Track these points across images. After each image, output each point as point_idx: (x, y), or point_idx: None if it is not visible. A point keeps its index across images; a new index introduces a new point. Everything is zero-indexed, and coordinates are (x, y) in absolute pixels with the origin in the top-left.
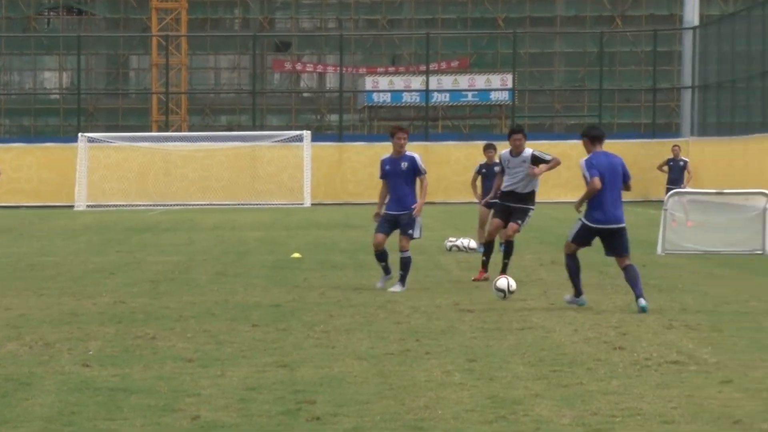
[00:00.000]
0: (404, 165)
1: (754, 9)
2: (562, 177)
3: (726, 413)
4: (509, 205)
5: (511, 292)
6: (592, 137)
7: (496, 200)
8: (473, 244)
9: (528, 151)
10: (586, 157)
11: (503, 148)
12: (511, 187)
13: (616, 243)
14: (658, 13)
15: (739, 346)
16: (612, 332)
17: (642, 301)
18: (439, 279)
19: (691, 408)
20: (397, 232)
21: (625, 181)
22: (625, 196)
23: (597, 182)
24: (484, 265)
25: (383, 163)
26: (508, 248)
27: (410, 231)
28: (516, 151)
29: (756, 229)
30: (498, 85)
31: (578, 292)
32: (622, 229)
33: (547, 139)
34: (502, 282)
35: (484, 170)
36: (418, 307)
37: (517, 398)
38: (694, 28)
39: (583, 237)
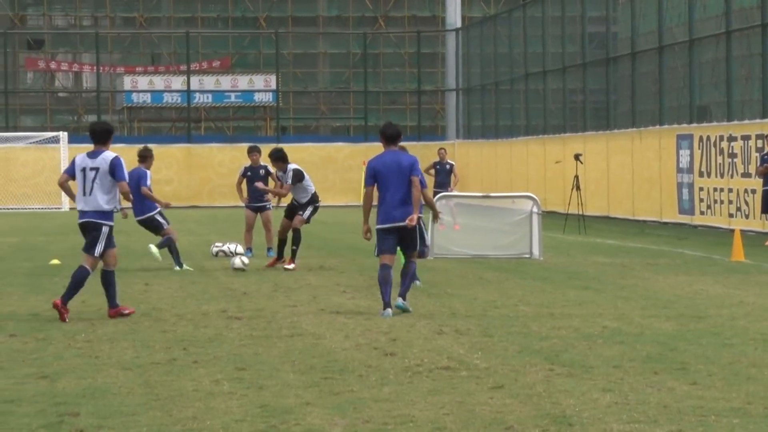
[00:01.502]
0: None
1: (515, 11)
2: (328, 180)
3: (497, 419)
4: (294, 206)
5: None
6: (386, 136)
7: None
8: (240, 248)
9: (289, 168)
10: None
11: (268, 150)
12: (294, 200)
13: (406, 239)
14: (420, 14)
15: (510, 351)
16: (383, 338)
17: (400, 301)
18: (206, 285)
19: (462, 414)
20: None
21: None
22: None
23: (366, 192)
24: (280, 256)
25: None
26: (296, 235)
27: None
28: (281, 171)
29: (523, 232)
30: (261, 86)
31: (385, 305)
32: (406, 228)
33: (312, 142)
34: (237, 261)
35: (249, 173)
36: (185, 314)
37: (288, 407)
38: (456, 30)
39: (382, 242)
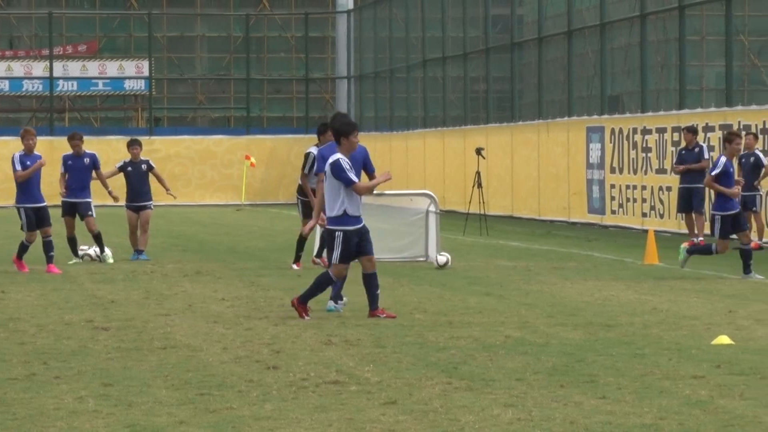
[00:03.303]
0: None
1: None
2: (206, 176)
3: None
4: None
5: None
6: (331, 128)
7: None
8: (108, 252)
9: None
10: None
11: (148, 144)
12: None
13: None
14: None
15: (404, 363)
16: (265, 350)
17: (330, 304)
18: (69, 293)
19: None
20: None
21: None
22: (279, 198)
23: (319, 185)
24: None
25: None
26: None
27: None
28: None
29: (419, 233)
30: (133, 72)
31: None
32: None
33: (189, 134)
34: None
35: (129, 168)
36: (45, 325)
37: (160, 426)
38: (348, 12)
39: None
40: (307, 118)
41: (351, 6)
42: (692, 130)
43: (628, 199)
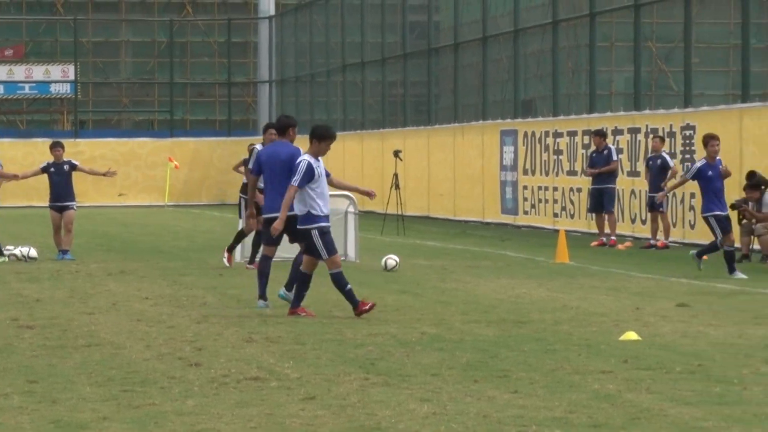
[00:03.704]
0: None
1: None
2: (131, 178)
3: None
4: None
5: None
6: (275, 127)
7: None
8: (33, 252)
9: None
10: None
11: (73, 147)
12: None
13: (298, 238)
14: (231, 0)
15: (323, 359)
16: (187, 347)
17: (282, 291)
18: None
19: (271, 427)
20: None
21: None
22: (202, 199)
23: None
24: None
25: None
26: None
27: None
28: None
29: (338, 233)
30: (58, 76)
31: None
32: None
33: (114, 137)
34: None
35: (52, 169)
36: None
37: (84, 422)
38: (270, 18)
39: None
40: (229, 121)
41: (272, 12)
42: (601, 134)
43: (540, 200)
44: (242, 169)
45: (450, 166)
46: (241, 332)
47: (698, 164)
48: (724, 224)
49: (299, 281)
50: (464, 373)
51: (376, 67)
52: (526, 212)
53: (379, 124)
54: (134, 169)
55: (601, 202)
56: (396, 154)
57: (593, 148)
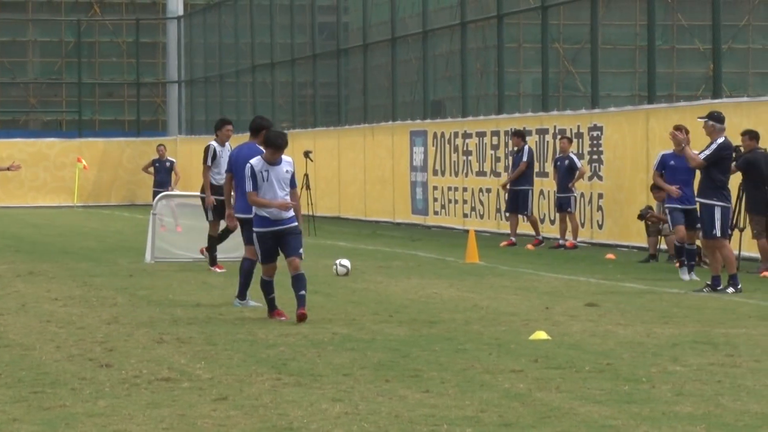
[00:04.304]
0: None
1: None
2: (39, 179)
3: None
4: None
5: None
6: (250, 128)
7: None
8: None
9: None
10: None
11: None
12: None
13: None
14: (140, 0)
15: (234, 360)
16: (98, 348)
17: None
18: None
19: (183, 428)
20: None
21: None
22: (111, 200)
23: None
24: None
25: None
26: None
27: None
28: None
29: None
30: None
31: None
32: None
33: (22, 137)
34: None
35: None
36: None
37: None
38: (178, 18)
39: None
40: (138, 121)
41: (181, 12)
42: (518, 134)
43: (449, 201)
44: (151, 169)
45: (360, 167)
46: (152, 333)
47: (661, 153)
48: (676, 217)
49: (261, 288)
50: (376, 373)
51: (286, 67)
52: (436, 212)
53: (290, 125)
54: (43, 170)
55: (516, 202)
56: (306, 154)
57: (514, 148)
